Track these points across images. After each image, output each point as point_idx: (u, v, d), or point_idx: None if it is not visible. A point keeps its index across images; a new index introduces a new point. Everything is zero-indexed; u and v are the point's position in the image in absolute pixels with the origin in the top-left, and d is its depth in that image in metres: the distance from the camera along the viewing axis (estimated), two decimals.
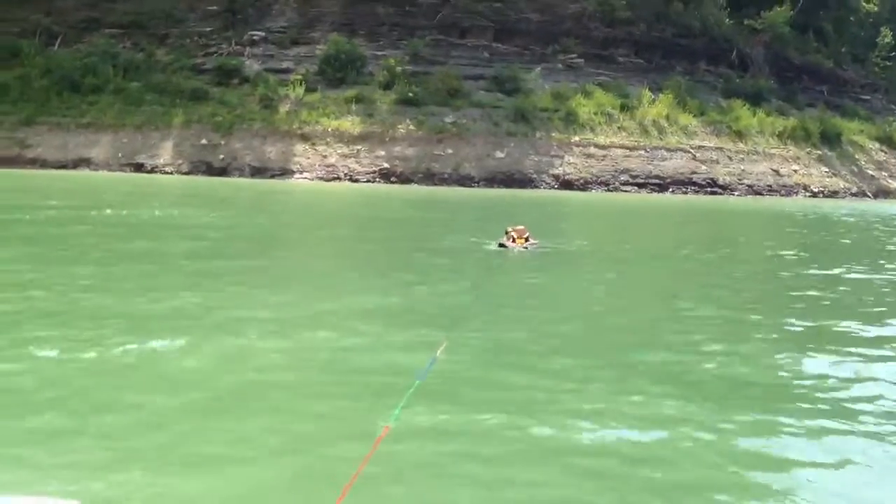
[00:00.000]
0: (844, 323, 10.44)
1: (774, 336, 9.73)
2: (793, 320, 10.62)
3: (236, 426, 5.83)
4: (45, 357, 7.29)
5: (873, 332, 9.94)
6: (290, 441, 5.62)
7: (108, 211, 23.25)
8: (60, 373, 6.90)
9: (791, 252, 20.49)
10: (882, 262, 18.49)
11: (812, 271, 16.50)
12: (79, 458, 5.29)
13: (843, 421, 6.45)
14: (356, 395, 6.64)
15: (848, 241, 25.27)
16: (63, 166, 50.50)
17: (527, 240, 16.69)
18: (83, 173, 48.55)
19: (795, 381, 7.69)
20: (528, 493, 5.01)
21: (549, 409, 6.45)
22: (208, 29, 63.72)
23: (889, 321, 10.65)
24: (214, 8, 64.76)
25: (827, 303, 12.37)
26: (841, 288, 14.05)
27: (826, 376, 7.78)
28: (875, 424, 6.41)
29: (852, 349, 8.92)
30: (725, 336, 9.53)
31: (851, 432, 6.23)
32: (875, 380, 7.64)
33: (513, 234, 16.76)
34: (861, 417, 6.58)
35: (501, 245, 16.64)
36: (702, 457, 5.64)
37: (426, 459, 5.39)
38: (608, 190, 53.93)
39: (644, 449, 5.72)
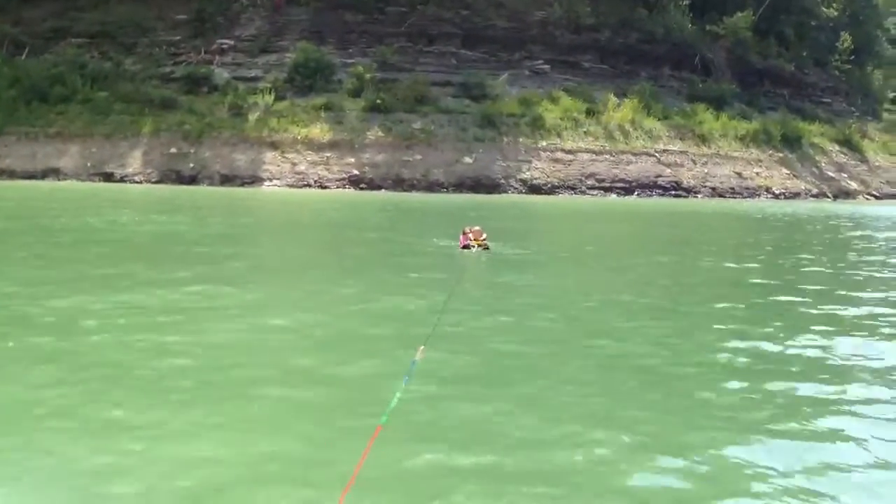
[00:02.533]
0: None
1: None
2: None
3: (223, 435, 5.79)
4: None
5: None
6: (281, 443, 5.64)
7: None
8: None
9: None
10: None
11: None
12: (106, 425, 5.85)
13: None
14: (342, 396, 6.73)
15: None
16: (31, 177, 50.56)
17: (483, 241, 16.90)
18: (51, 183, 48.56)
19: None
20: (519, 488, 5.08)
21: (529, 407, 6.57)
22: (177, 38, 63.93)
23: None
24: (183, 17, 64.96)
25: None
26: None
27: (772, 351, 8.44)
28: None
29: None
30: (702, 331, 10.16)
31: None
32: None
33: (469, 234, 16.96)
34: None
35: (465, 247, 16.86)
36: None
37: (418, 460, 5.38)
38: (575, 194, 54.78)
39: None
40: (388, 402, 5.44)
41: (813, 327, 10.16)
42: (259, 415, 6.21)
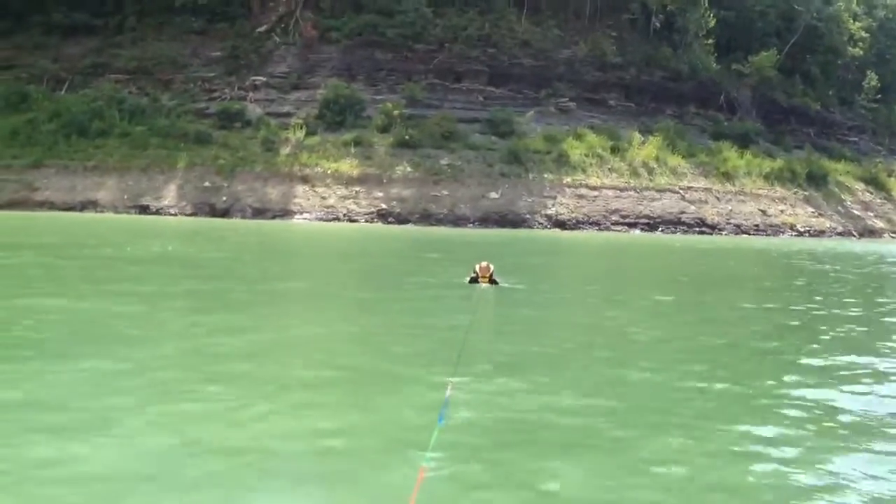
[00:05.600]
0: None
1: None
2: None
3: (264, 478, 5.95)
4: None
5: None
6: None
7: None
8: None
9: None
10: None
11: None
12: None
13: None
14: (379, 440, 6.75)
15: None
16: (70, 208, 51.84)
17: (491, 277, 16.76)
18: (90, 215, 49.85)
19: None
20: None
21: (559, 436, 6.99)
22: (212, 74, 65.58)
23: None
24: (217, 54, 66.73)
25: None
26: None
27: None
28: None
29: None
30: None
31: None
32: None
33: (478, 269, 16.82)
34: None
35: (472, 280, 16.85)
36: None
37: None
38: (599, 229, 55.43)
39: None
40: (427, 442, 5.81)
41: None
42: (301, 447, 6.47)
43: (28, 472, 5.75)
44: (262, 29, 68.60)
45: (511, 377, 9.02)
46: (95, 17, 68.93)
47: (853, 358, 11.10)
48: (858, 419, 7.87)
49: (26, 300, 13.63)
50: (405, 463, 5.95)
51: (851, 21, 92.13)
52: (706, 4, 78.93)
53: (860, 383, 9.52)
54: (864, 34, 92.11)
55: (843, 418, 7.87)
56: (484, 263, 17.00)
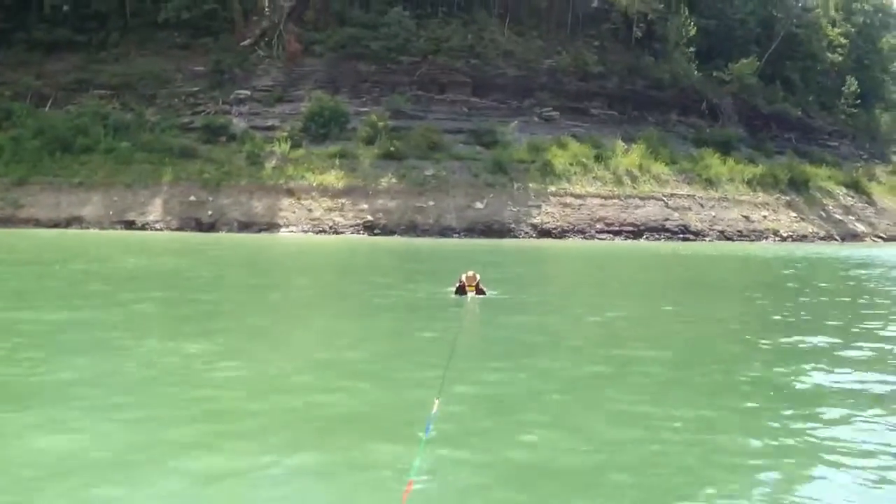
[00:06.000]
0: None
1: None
2: None
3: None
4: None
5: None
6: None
7: None
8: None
9: None
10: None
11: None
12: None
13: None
14: (365, 453, 6.69)
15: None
16: (56, 225, 51.76)
17: (478, 286, 16.46)
18: (77, 232, 49.78)
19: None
20: None
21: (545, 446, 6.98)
22: (195, 89, 65.55)
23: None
24: (201, 69, 66.71)
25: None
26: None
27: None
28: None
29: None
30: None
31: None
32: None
33: (464, 279, 16.49)
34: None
35: (458, 290, 16.56)
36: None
37: None
38: (584, 238, 55.75)
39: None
40: (414, 456, 5.83)
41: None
42: (288, 461, 6.43)
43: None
44: (246, 43, 68.72)
45: (499, 391, 8.99)
46: (78, 34, 68.70)
47: None
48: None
49: (18, 314, 13.73)
50: (392, 477, 5.93)
51: (830, 27, 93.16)
52: (686, 13, 79.62)
53: None
54: (843, 40, 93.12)
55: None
56: (470, 273, 16.67)
